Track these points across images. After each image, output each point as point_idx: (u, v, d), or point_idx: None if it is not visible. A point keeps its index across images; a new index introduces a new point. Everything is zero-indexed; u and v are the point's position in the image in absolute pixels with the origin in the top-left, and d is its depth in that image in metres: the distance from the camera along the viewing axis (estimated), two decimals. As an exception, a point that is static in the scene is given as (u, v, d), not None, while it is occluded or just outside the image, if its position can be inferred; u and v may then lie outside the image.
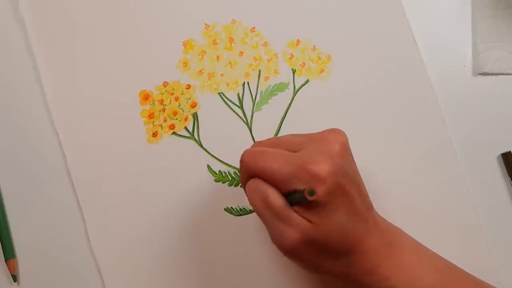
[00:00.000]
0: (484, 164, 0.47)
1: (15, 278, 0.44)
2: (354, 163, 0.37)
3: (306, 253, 0.34)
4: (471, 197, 0.46)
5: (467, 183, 0.46)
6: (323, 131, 0.37)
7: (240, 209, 0.45)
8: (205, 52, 0.46)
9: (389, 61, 0.47)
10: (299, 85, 0.47)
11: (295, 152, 0.36)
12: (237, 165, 0.45)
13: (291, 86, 0.47)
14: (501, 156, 0.46)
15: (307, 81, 0.47)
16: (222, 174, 0.45)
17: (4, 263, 0.44)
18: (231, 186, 0.45)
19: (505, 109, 0.47)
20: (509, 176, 0.46)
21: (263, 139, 0.40)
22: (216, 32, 0.47)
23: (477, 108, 0.47)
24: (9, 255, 0.44)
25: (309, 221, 0.34)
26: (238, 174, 0.45)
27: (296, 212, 0.34)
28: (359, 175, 0.37)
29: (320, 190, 0.33)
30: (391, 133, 0.46)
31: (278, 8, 0.47)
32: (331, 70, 0.47)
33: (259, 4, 0.47)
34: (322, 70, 0.47)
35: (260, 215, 0.35)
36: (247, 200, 0.44)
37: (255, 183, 0.36)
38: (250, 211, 0.45)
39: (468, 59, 0.48)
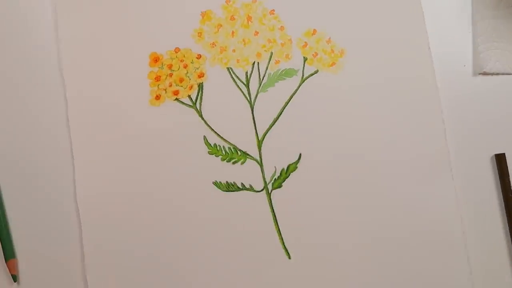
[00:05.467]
0: (482, 164, 0.46)
1: (15, 278, 0.44)
2: None
3: None
4: (459, 213, 0.45)
5: (458, 196, 0.46)
6: None
7: (229, 184, 0.45)
8: (221, 25, 0.47)
9: (400, 66, 0.47)
10: (308, 74, 0.47)
11: None
12: (233, 141, 0.45)
13: (299, 74, 0.47)
14: (494, 157, 0.46)
15: (316, 71, 0.47)
16: (216, 147, 0.45)
17: (4, 263, 0.44)
18: (223, 161, 0.45)
19: (505, 109, 0.47)
20: (499, 177, 0.46)
21: None
22: (236, 8, 0.47)
23: (477, 108, 0.47)
24: (9, 255, 0.44)
25: None
26: (233, 150, 0.45)
27: None
28: None
29: None
30: (391, 136, 0.46)
31: (301, -4, 0.47)
32: (342, 64, 0.47)
33: (283, -13, 0.47)
34: (333, 63, 0.47)
35: None
36: (240, 178, 0.45)
37: None
38: (239, 188, 0.45)
39: (468, 59, 0.48)
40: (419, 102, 0.47)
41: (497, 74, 0.47)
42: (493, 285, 0.45)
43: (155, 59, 0.46)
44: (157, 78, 0.46)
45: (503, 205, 0.46)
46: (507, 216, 0.45)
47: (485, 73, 0.47)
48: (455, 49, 0.48)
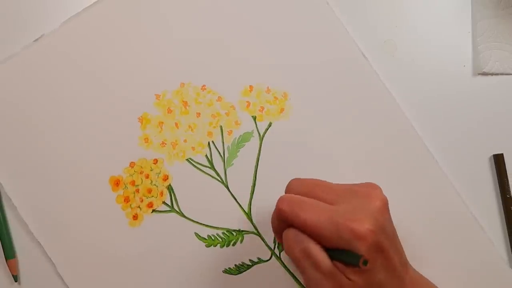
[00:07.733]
0: (480, 164, 0.47)
1: (15, 278, 0.44)
2: (391, 220, 0.37)
3: None
4: (457, 193, 0.46)
5: (451, 181, 0.46)
6: (361, 184, 0.37)
7: (238, 266, 0.45)
8: (162, 122, 0.46)
9: (344, 82, 0.47)
10: (263, 130, 0.46)
11: (332, 202, 0.36)
12: (224, 225, 0.45)
13: (255, 134, 0.46)
14: (493, 157, 0.46)
15: (270, 124, 0.46)
16: (211, 238, 0.45)
17: (5, 263, 0.44)
18: (223, 248, 0.45)
19: (504, 109, 0.47)
20: (497, 177, 0.46)
21: (302, 178, 0.39)
22: (169, 100, 0.46)
23: (476, 108, 0.47)
24: (9, 255, 0.44)
25: (349, 279, 0.34)
26: (227, 233, 0.45)
27: (336, 267, 0.34)
28: (396, 232, 0.37)
29: (361, 249, 0.33)
30: (366, 151, 0.46)
31: (223, 61, 0.46)
32: (291, 106, 0.46)
33: (203, 61, 0.46)
34: (282, 110, 0.46)
35: (298, 264, 0.35)
36: (245, 255, 0.44)
37: (293, 233, 0.36)
38: (249, 266, 0.45)
39: (468, 59, 0.48)
40: (376, 105, 0.47)
41: (497, 74, 0.47)
42: (492, 285, 0.45)
43: (116, 183, 0.45)
44: (126, 200, 0.45)
45: (501, 205, 0.46)
46: (505, 216, 0.46)
47: (484, 73, 0.47)
48: (455, 49, 0.48)
